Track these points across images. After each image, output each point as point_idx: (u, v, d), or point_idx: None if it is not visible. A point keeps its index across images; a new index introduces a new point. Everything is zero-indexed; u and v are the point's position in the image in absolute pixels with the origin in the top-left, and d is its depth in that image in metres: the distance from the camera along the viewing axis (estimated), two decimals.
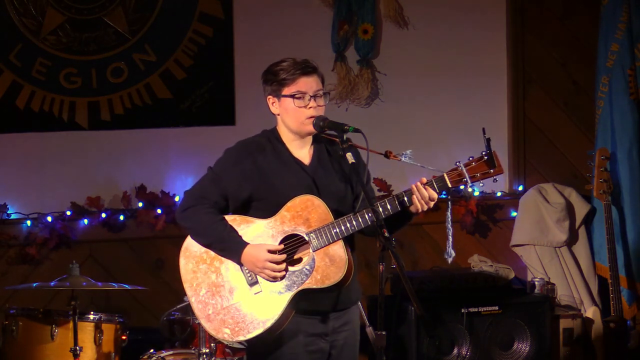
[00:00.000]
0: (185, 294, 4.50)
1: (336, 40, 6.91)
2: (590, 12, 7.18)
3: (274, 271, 4.33)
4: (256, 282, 4.38)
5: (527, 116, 7.22)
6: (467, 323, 6.22)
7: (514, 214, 7.11)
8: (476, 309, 6.26)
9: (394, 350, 6.12)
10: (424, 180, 4.38)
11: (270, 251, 4.34)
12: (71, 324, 5.64)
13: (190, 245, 4.47)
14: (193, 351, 5.63)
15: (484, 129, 4.34)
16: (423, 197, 4.35)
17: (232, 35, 6.76)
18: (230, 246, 4.37)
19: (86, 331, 5.73)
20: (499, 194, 7.18)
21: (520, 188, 7.18)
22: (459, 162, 4.38)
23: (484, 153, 4.36)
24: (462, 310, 6.22)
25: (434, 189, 4.36)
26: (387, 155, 4.45)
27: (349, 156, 4.31)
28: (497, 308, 6.30)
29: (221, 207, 4.43)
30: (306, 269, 4.34)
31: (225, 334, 4.38)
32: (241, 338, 4.36)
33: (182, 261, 4.47)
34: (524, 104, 7.21)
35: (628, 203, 7.00)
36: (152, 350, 5.75)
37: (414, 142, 7.01)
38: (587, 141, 7.23)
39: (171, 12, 6.66)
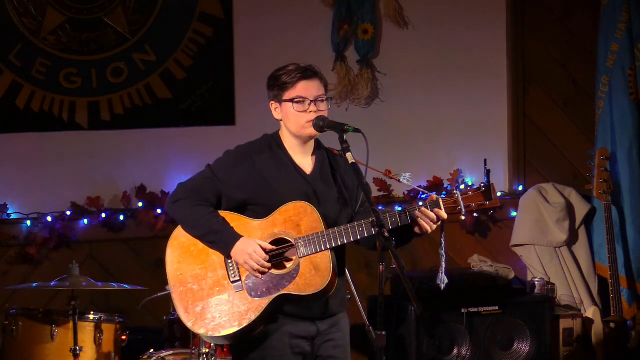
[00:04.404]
0: (167, 283, 4.47)
1: (336, 40, 6.90)
2: (590, 12, 7.18)
3: (258, 264, 4.30)
4: (238, 280, 4.36)
5: (527, 116, 7.21)
6: (467, 323, 6.22)
7: (514, 214, 7.10)
8: (476, 309, 6.27)
9: (394, 350, 6.12)
10: (434, 197, 4.34)
11: (261, 247, 4.33)
12: (71, 324, 5.65)
13: (180, 236, 4.44)
14: (193, 351, 5.63)
15: (485, 160, 4.32)
16: (430, 218, 4.31)
17: (232, 35, 6.76)
18: (222, 238, 4.35)
19: (86, 331, 5.74)
20: (499, 194, 7.15)
21: (520, 188, 7.18)
22: (457, 189, 4.34)
23: (482, 184, 4.34)
24: (462, 310, 6.23)
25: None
26: (386, 175, 4.42)
27: (349, 156, 4.30)
28: (497, 308, 6.31)
29: (212, 205, 4.41)
30: (290, 274, 4.33)
31: (201, 328, 4.36)
32: (216, 334, 4.34)
33: (169, 250, 4.44)
34: (524, 103, 7.20)
35: (628, 203, 7.00)
36: (152, 350, 5.75)
37: (413, 142, 7.02)
38: (587, 141, 7.23)
39: (171, 12, 6.66)
